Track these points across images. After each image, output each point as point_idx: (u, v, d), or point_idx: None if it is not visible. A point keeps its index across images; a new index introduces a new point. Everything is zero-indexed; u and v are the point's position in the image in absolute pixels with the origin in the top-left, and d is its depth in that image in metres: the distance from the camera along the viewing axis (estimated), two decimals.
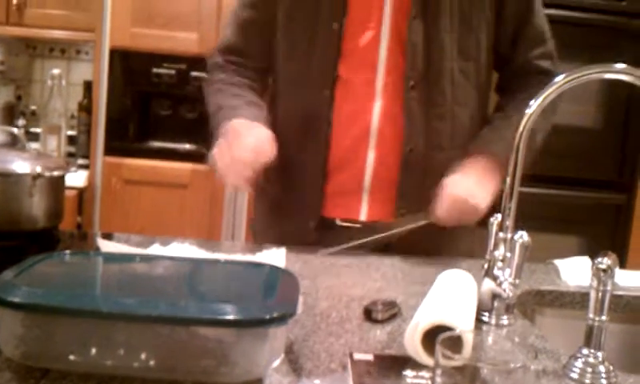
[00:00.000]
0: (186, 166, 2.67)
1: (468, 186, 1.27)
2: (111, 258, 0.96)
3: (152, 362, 0.71)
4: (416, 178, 1.32)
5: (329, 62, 1.31)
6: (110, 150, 2.67)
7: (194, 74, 2.62)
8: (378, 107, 1.31)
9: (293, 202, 1.39)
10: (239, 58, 1.44)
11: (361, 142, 1.32)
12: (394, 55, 1.30)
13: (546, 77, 1.33)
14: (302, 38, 1.33)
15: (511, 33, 1.37)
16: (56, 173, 1.14)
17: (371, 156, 1.32)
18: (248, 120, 1.28)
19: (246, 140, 1.24)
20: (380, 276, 1.20)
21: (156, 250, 1.16)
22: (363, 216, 1.35)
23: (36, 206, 1.11)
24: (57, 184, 1.16)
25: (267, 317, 0.70)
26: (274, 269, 0.88)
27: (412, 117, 1.30)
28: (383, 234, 1.31)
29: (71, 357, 0.71)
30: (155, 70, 2.63)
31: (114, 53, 2.62)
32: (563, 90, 0.95)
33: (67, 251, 0.92)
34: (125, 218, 2.66)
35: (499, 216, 1.03)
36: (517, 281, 1.01)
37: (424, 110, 1.30)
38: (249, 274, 0.89)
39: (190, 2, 2.62)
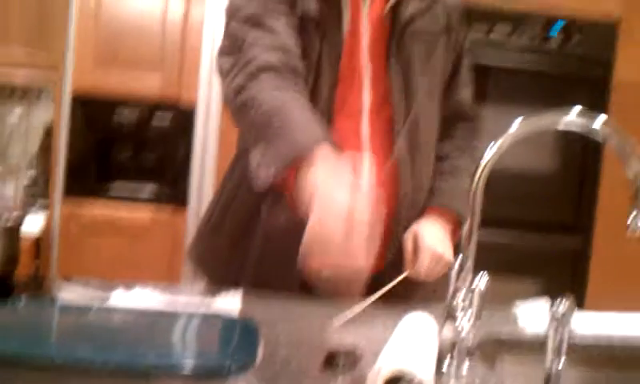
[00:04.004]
0: (148, 208, 2.65)
1: (443, 240, 1.33)
2: (67, 308, 0.94)
3: None
4: (404, 222, 1.34)
5: (327, 115, 1.26)
6: (69, 194, 2.64)
7: (157, 114, 2.62)
8: (368, 155, 1.31)
9: (273, 254, 1.23)
10: (296, 63, 1.20)
11: None
12: (378, 101, 1.32)
13: (474, 121, 1.50)
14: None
15: (450, 73, 1.45)
16: (10, 222, 1.13)
17: None
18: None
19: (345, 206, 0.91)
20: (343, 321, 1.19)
21: (118, 295, 1.14)
22: None
23: None
24: (12, 231, 1.14)
25: (226, 366, 0.70)
26: (233, 319, 0.87)
27: (403, 160, 1.32)
28: (378, 294, 1.27)
29: None
30: (117, 113, 2.62)
31: (76, 96, 2.60)
32: (518, 138, 0.98)
33: (22, 300, 0.90)
34: (84, 260, 2.61)
35: (459, 260, 1.04)
36: (477, 323, 1.02)
37: (410, 152, 1.34)
38: (208, 325, 0.88)
39: (153, 44, 2.62)
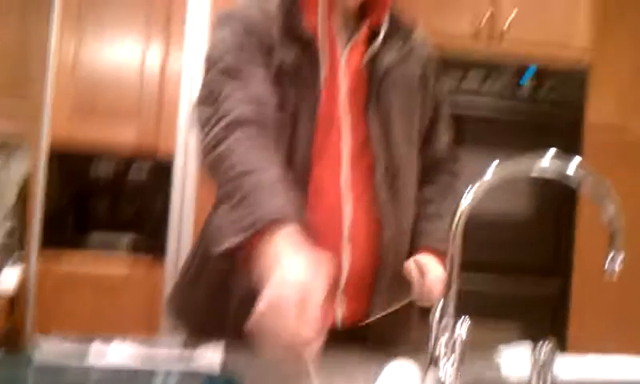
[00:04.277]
0: (125, 260, 2.63)
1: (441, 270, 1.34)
2: (44, 366, 0.92)
3: None
4: (389, 267, 1.35)
5: (305, 163, 1.28)
6: (46, 246, 2.61)
7: (135, 165, 2.62)
8: (349, 202, 1.31)
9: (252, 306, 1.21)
10: (272, 115, 1.21)
11: (336, 241, 1.29)
12: (357, 149, 1.33)
13: (455, 164, 1.53)
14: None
15: (430, 121, 1.47)
16: None
17: (347, 253, 1.31)
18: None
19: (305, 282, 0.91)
20: (324, 372, 1.18)
21: (97, 348, 1.12)
22: (339, 321, 1.32)
23: None
24: None
25: None
26: (213, 376, 0.86)
27: (385, 206, 1.33)
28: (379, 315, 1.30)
29: None
30: (95, 164, 2.61)
31: (53, 147, 2.59)
32: (493, 184, 0.99)
33: None
34: (61, 313, 2.56)
35: (439, 306, 1.04)
36: (460, 369, 1.01)
37: (391, 198, 1.35)
38: (187, 382, 0.87)
39: (131, 95, 2.63)
